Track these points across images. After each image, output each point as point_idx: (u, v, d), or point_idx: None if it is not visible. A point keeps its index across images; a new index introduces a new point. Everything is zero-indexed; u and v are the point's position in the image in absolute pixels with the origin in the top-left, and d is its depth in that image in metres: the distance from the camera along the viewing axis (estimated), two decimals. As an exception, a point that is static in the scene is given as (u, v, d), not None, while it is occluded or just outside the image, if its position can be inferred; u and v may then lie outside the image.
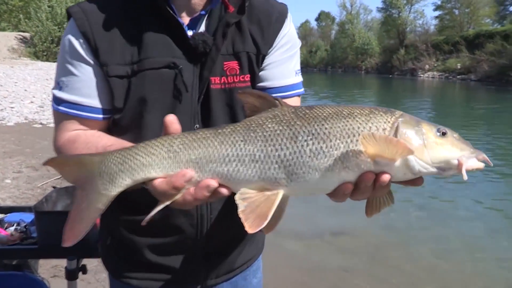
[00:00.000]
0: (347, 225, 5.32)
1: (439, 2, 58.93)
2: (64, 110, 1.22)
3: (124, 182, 0.94)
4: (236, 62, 1.25)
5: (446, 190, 7.16)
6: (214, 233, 1.29)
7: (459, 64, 44.59)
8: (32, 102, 13.75)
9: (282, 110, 0.93)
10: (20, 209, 2.67)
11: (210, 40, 1.20)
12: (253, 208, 0.87)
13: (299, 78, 1.36)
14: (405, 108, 20.71)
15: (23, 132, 9.77)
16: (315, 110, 0.92)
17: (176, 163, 0.91)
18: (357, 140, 0.87)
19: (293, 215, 5.28)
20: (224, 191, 0.92)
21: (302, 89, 1.37)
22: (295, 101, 1.34)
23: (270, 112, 0.93)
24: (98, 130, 1.24)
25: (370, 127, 0.89)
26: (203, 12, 1.22)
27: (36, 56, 34.30)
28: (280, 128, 0.90)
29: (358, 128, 0.89)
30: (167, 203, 0.92)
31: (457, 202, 6.79)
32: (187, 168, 0.91)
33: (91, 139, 1.18)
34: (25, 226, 2.34)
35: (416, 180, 0.92)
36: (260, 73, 1.29)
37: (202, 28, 1.24)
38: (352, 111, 0.91)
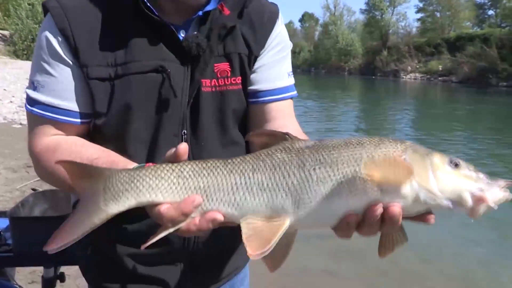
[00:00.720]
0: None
1: (421, 5, 59.78)
2: (39, 113, 1.14)
3: (127, 202, 0.91)
4: (227, 63, 1.19)
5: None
6: (202, 243, 1.24)
7: (440, 66, 45.30)
8: (11, 102, 13.49)
9: (292, 142, 0.92)
10: (-5, 214, 2.58)
11: (204, 43, 1.14)
12: (257, 234, 0.85)
13: (291, 80, 1.32)
14: (388, 109, 20.96)
15: (2, 132, 9.57)
16: (325, 141, 0.91)
17: (185, 189, 0.90)
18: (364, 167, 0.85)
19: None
20: (228, 224, 0.90)
21: (295, 92, 1.33)
22: (288, 104, 1.30)
23: (280, 145, 0.92)
24: (76, 135, 1.17)
25: (378, 155, 0.86)
26: (200, 13, 1.16)
27: (16, 55, 33.78)
28: (289, 157, 0.89)
29: (367, 155, 0.86)
30: (171, 230, 0.90)
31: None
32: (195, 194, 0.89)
33: (74, 149, 1.12)
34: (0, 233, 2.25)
35: (428, 217, 0.87)
36: (252, 76, 1.24)
37: (194, 30, 1.18)
38: (361, 140, 0.89)
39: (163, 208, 0.88)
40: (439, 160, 0.86)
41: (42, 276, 2.21)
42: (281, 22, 1.29)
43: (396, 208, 0.83)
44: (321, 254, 4.85)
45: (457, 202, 0.84)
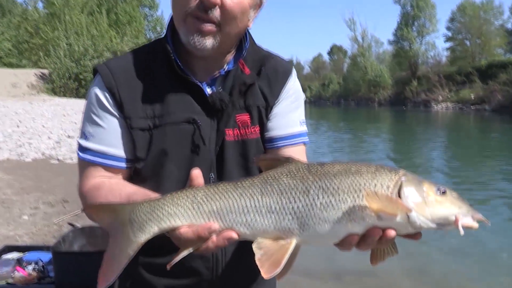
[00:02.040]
0: (367, 266, 5.22)
1: (450, 34, 59.34)
2: (89, 159, 1.31)
3: (152, 230, 1.02)
4: (248, 114, 1.35)
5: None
6: (228, 275, 1.36)
7: (472, 95, 44.45)
8: (49, 138, 14.01)
9: (296, 166, 1.02)
10: (38, 248, 2.75)
11: (226, 98, 1.31)
12: (268, 256, 0.95)
13: (303, 128, 1.45)
14: (419, 140, 20.63)
15: (40, 168, 9.94)
16: (326, 167, 1.00)
17: (200, 213, 1.00)
18: (363, 196, 0.95)
19: (311, 252, 5.26)
20: (242, 240, 1.01)
21: (307, 138, 1.46)
22: (300, 149, 1.43)
23: (285, 168, 1.02)
24: (121, 178, 1.33)
25: (376, 184, 0.96)
26: (222, 72, 1.34)
27: (54, 92, 35.20)
28: (294, 182, 0.99)
29: (365, 184, 0.96)
30: (191, 250, 1.00)
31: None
32: (209, 217, 1.00)
33: (115, 187, 1.26)
34: (42, 266, 2.40)
35: (416, 235, 0.99)
36: (268, 124, 1.38)
37: (219, 85, 1.35)
38: (359, 169, 0.99)
39: (182, 230, 1.01)
40: (429, 188, 0.98)
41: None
42: (294, 76, 1.45)
43: (392, 233, 0.95)
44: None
45: (444, 224, 0.97)
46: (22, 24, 45.82)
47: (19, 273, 2.35)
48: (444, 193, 0.98)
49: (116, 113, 1.30)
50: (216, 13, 1.20)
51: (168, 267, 1.02)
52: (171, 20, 1.34)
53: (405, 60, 61.17)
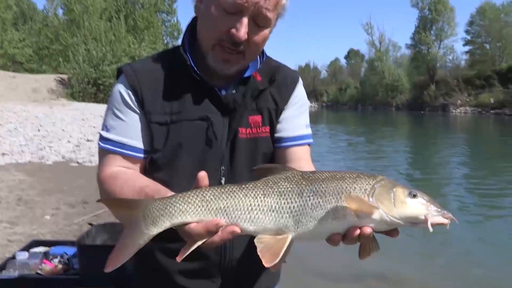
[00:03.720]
0: (380, 268, 5.23)
1: (469, 37, 58.73)
2: (109, 148, 1.41)
3: (164, 225, 1.12)
4: (260, 116, 1.48)
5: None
6: (235, 260, 1.46)
7: (492, 99, 43.91)
8: (69, 141, 14.26)
9: (292, 173, 1.17)
10: (63, 243, 2.85)
11: (239, 99, 1.43)
12: (268, 248, 1.09)
13: (309, 131, 1.60)
14: (437, 144, 20.41)
15: (61, 170, 10.13)
16: (317, 174, 1.16)
17: (208, 210, 1.11)
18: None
19: (326, 253, 5.29)
20: (243, 233, 1.13)
21: (311, 140, 1.59)
22: (305, 149, 1.57)
23: (283, 174, 1.17)
24: (138, 167, 1.43)
25: (355, 188, 1.12)
26: (237, 79, 1.46)
27: (73, 97, 35.78)
28: (291, 186, 1.14)
29: (346, 188, 1.12)
30: (200, 243, 1.11)
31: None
32: (217, 214, 1.11)
33: (130, 177, 1.36)
34: (67, 259, 2.50)
35: (392, 232, 1.14)
36: (277, 126, 1.52)
37: (232, 89, 1.46)
38: (343, 175, 1.15)
39: (192, 226, 1.11)
40: (400, 193, 1.12)
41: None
42: (300, 84, 1.59)
43: (368, 230, 1.10)
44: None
45: (414, 223, 1.11)
46: (43, 31, 46.91)
47: (47, 265, 2.45)
48: (415, 196, 1.12)
49: (137, 109, 1.41)
50: (244, 45, 1.35)
51: (179, 259, 1.10)
52: (189, 27, 1.49)
53: (423, 64, 60.75)
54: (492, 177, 11.88)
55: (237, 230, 1.10)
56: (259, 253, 1.07)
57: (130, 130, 1.41)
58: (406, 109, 57.27)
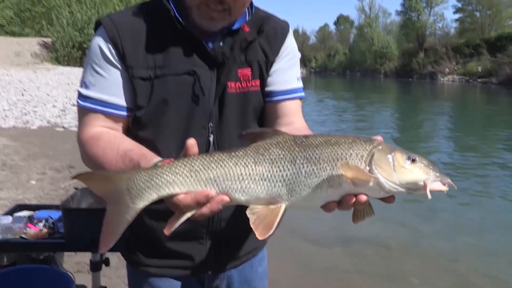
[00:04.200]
0: (372, 234, 5.31)
1: (459, 5, 58.30)
2: (90, 106, 1.34)
3: (150, 197, 1.06)
4: (249, 69, 1.42)
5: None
6: (223, 222, 1.44)
7: (480, 67, 44.03)
8: (54, 106, 14.08)
9: (283, 138, 1.11)
10: (48, 207, 2.83)
11: (228, 52, 1.36)
12: (261, 219, 1.05)
13: (300, 84, 1.54)
14: (424, 112, 20.56)
15: (46, 135, 10.04)
16: (310, 139, 1.10)
17: (197, 181, 1.06)
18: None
19: (317, 219, 5.36)
20: (233, 203, 1.10)
21: (303, 93, 1.54)
22: (297, 103, 1.52)
23: (274, 139, 1.11)
24: (120, 126, 1.38)
25: (351, 154, 1.06)
26: (224, 31, 1.38)
27: (58, 61, 35.09)
28: (283, 153, 1.08)
29: (341, 154, 1.06)
30: (189, 215, 1.06)
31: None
32: (206, 184, 1.06)
33: (113, 141, 1.30)
34: (52, 223, 2.48)
35: (389, 198, 1.09)
36: (268, 79, 1.46)
37: (219, 41, 1.39)
38: (338, 140, 1.09)
39: (180, 197, 1.05)
40: (399, 157, 1.07)
41: (90, 260, 2.43)
42: (291, 35, 1.52)
43: (364, 197, 1.06)
44: (340, 252, 4.92)
45: (412, 189, 1.06)
46: (23, -9, 45.34)
47: (31, 229, 2.43)
48: (414, 161, 1.07)
49: (118, 64, 1.33)
50: (229, 2, 1.28)
51: (167, 232, 1.06)
52: None
53: (412, 32, 60.41)
54: (478, 145, 12.05)
55: (226, 199, 1.05)
56: (252, 226, 1.03)
57: (111, 87, 1.34)
58: (394, 76, 57.26)
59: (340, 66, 77.02)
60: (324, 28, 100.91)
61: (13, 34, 42.76)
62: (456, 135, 14.32)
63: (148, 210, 1.37)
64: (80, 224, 2.27)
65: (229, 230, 1.46)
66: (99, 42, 1.34)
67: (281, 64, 1.48)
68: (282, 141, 1.10)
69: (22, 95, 16.04)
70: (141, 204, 1.06)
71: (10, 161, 7.40)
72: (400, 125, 16.66)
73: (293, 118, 1.48)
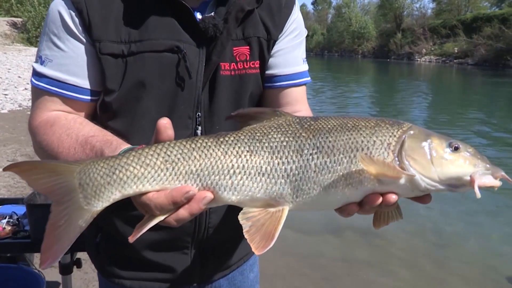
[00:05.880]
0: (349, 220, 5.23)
1: (436, -15, 58.49)
2: (44, 87, 1.11)
3: (111, 196, 0.82)
4: (247, 47, 1.18)
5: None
6: (212, 229, 1.24)
7: (456, 48, 44.50)
8: (26, 89, 13.59)
9: (286, 120, 0.88)
10: (12, 201, 2.62)
11: (220, 24, 1.12)
12: (258, 227, 0.82)
13: (306, 66, 1.32)
14: (401, 92, 20.69)
15: (18, 119, 9.66)
16: (320, 122, 0.87)
17: (175, 175, 0.82)
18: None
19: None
20: (221, 203, 0.87)
21: (309, 78, 1.33)
22: (301, 90, 1.31)
23: (274, 121, 0.87)
24: (83, 113, 1.15)
25: (375, 141, 0.84)
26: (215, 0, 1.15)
27: (30, 42, 33.94)
28: (287, 139, 0.84)
29: (362, 142, 0.84)
30: (161, 218, 0.82)
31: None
32: (186, 180, 0.82)
33: (73, 125, 1.07)
34: (17, 219, 2.29)
35: (424, 198, 0.87)
36: (270, 60, 1.23)
37: (210, 12, 1.16)
38: (357, 124, 0.86)
39: (151, 196, 0.82)
40: (438, 145, 0.84)
41: (59, 262, 2.25)
42: (297, 7, 1.29)
43: (393, 198, 0.83)
44: (335, 242, 4.86)
45: (457, 186, 0.84)
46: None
47: (-7, 227, 2.24)
48: (457, 149, 0.84)
49: (81, 37, 1.09)
50: None
51: (131, 240, 0.82)
52: None
53: (390, 12, 60.61)
54: (452, 122, 12.17)
55: (209, 195, 0.82)
56: (246, 236, 0.81)
57: (72, 64, 1.09)
58: (372, 57, 57.53)
59: (318, 46, 76.87)
60: (302, 8, 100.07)
61: (-19, 13, 41.20)
62: (432, 113, 14.45)
63: (120, 215, 1.18)
64: (46, 222, 2.10)
65: (218, 239, 1.26)
66: (59, 7, 1.10)
67: (286, 42, 1.24)
68: (285, 124, 0.86)
69: (-8, 77, 15.46)
70: (99, 205, 0.82)
71: (-22, 148, 7.10)
72: (377, 104, 16.71)
73: (298, 107, 1.28)
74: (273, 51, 1.23)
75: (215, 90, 1.16)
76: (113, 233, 1.23)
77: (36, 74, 1.12)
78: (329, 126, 0.85)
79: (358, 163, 0.82)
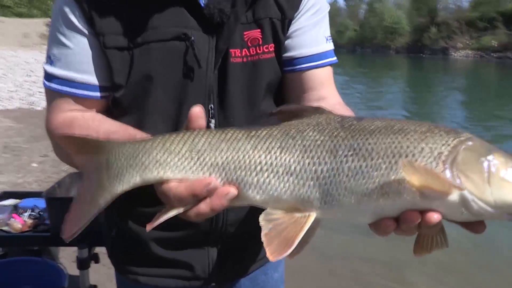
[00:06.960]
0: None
1: (473, -23, 56.79)
2: (56, 88, 1.08)
3: (131, 180, 0.81)
4: (259, 30, 1.09)
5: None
6: (230, 226, 1.15)
7: (495, 42, 43.01)
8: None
9: (327, 118, 0.80)
10: (35, 194, 2.61)
11: (227, 8, 1.04)
12: (278, 231, 0.74)
13: (330, 45, 1.20)
14: (437, 89, 20.10)
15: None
16: (364, 122, 0.77)
17: (199, 165, 0.78)
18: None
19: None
20: (244, 203, 0.80)
21: (335, 58, 1.21)
22: (327, 72, 1.19)
23: (313, 119, 0.80)
24: (97, 111, 1.11)
25: (423, 148, 0.71)
26: None
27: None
28: (322, 138, 0.76)
29: (408, 147, 0.71)
30: (181, 210, 0.79)
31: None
32: (211, 172, 0.78)
33: (91, 124, 1.05)
34: (39, 212, 2.27)
35: (477, 226, 0.73)
36: (287, 42, 1.13)
37: None
38: (405, 127, 0.74)
39: (172, 185, 0.79)
40: (501, 163, 0.70)
41: (77, 257, 2.21)
42: None
43: (435, 217, 0.70)
44: (360, 241, 4.72)
45: None
46: (30, -28, 44.98)
47: (16, 221, 2.22)
48: None
49: (85, 30, 1.05)
50: None
51: (148, 228, 0.80)
52: None
53: (424, 6, 59.37)
54: (494, 120, 11.69)
55: (234, 192, 0.77)
56: (263, 238, 0.74)
57: (79, 61, 1.06)
58: (406, 52, 56.32)
59: (350, 42, 75.97)
60: (333, 4, 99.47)
61: (20, 15, 42.50)
62: (472, 111, 13.92)
63: (132, 214, 1.13)
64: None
65: (238, 234, 1.17)
66: (60, 3, 1.06)
67: (303, 20, 1.14)
68: (324, 122, 0.79)
69: (29, 76, 15.89)
70: (119, 187, 0.81)
71: (12, 144, 7.27)
72: (413, 102, 16.27)
73: (324, 91, 1.16)
74: (290, 31, 1.13)
75: (226, 79, 1.08)
76: (126, 229, 1.18)
77: (47, 75, 1.10)
78: (372, 127, 0.75)
79: (399, 171, 0.71)
